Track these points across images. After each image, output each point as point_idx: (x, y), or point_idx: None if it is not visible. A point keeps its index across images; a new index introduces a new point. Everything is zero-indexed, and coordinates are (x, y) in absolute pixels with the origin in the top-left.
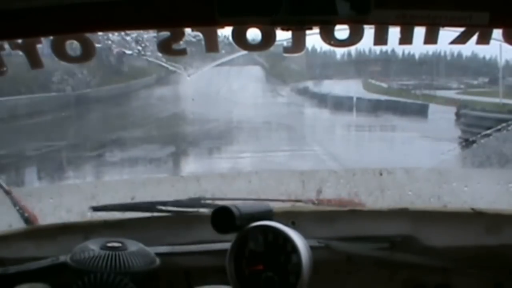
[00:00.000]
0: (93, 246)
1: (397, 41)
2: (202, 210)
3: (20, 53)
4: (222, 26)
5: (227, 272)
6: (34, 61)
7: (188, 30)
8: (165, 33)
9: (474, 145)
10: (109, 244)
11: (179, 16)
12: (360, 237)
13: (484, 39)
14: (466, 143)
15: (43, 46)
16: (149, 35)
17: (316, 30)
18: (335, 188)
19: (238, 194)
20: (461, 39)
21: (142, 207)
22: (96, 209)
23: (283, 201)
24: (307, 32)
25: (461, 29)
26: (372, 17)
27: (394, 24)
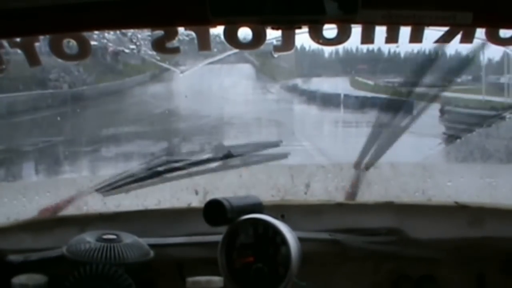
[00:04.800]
0: (89, 238)
1: (383, 40)
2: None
3: (19, 51)
4: (214, 26)
5: (219, 264)
6: (32, 59)
7: (181, 29)
8: (159, 32)
9: (458, 140)
10: (105, 236)
11: (172, 16)
12: (347, 229)
13: (468, 38)
14: (450, 138)
15: (41, 44)
16: (144, 34)
17: (305, 29)
18: (323, 182)
19: (229, 187)
20: (445, 38)
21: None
22: (101, 190)
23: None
24: (297, 31)
25: (446, 29)
26: (359, 16)
27: (381, 23)
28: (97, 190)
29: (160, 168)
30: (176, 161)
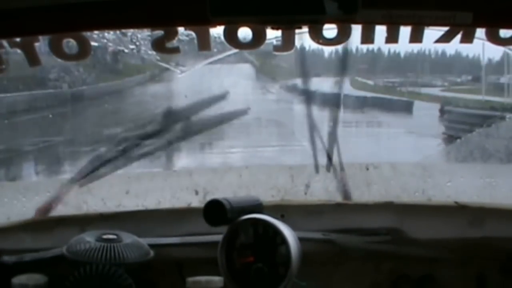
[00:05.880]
0: (89, 238)
1: (383, 40)
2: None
3: (19, 51)
4: (214, 26)
5: (219, 264)
6: (32, 59)
7: (181, 29)
8: (159, 32)
9: (458, 140)
10: (105, 236)
11: (172, 16)
12: (347, 229)
13: (468, 38)
14: (450, 138)
15: (41, 44)
16: (144, 34)
17: (305, 29)
18: (323, 182)
19: (229, 188)
20: (445, 38)
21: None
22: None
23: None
24: (296, 31)
25: (446, 28)
26: (359, 16)
27: (381, 23)
28: (76, 183)
29: (127, 146)
30: (142, 138)
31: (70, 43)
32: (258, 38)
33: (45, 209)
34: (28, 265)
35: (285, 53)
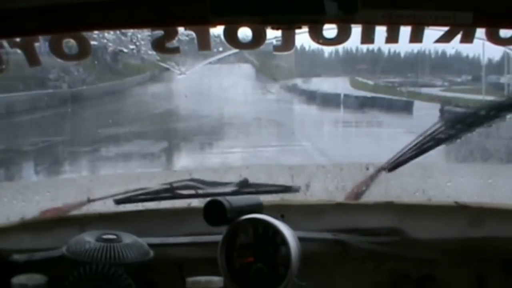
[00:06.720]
0: (89, 238)
1: (383, 40)
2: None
3: (19, 51)
4: (214, 25)
5: (219, 264)
6: (32, 59)
7: (181, 29)
8: (159, 32)
9: (458, 140)
10: (104, 236)
11: (172, 16)
12: (347, 229)
13: (468, 38)
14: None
15: (41, 44)
16: (144, 34)
17: (305, 29)
18: (323, 182)
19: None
20: (446, 38)
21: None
22: (120, 201)
23: (272, 194)
24: (297, 31)
25: (446, 28)
26: (359, 16)
27: (381, 23)
28: (117, 202)
29: (183, 192)
30: (198, 188)
31: (70, 43)
32: (258, 38)
33: (56, 212)
34: (28, 265)
35: (285, 53)
